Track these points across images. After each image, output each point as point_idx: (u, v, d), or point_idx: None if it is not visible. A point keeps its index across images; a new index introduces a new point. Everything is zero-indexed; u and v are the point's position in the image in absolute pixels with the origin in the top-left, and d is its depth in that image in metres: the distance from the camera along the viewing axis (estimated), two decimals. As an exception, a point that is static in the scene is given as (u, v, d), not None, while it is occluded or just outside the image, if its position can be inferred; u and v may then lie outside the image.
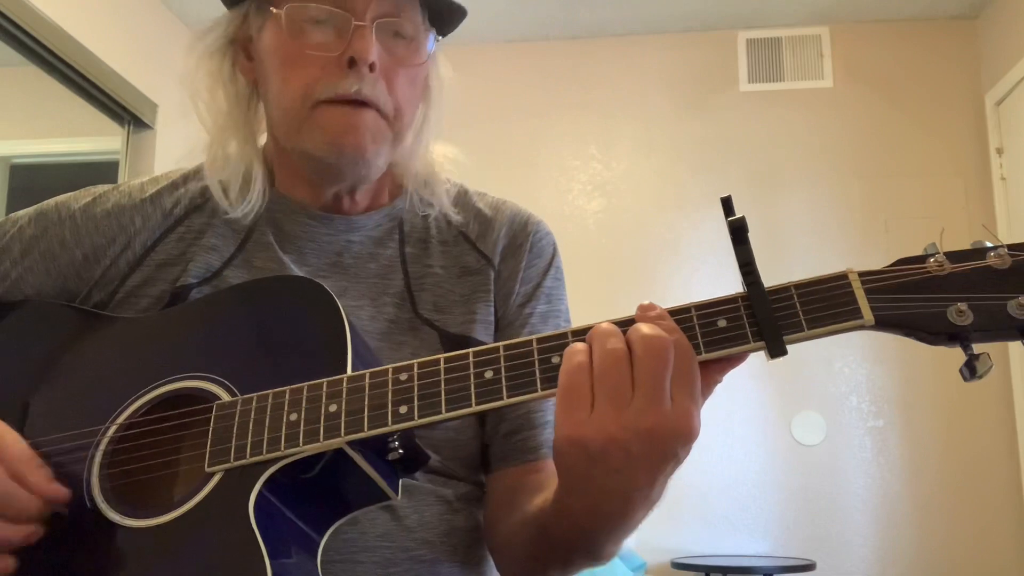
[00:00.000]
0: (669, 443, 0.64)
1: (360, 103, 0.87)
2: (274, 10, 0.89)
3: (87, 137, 3.85)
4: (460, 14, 0.94)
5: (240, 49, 0.96)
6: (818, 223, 3.77)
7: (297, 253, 0.95)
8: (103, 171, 3.62)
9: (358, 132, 0.88)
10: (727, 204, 0.68)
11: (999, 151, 3.61)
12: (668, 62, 3.99)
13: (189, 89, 0.95)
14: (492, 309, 0.95)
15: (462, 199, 1.03)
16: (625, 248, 3.85)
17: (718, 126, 3.91)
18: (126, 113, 3.52)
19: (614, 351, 0.64)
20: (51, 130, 3.89)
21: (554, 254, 1.02)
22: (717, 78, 3.96)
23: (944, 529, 3.49)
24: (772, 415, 3.63)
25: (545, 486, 0.83)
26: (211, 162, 0.95)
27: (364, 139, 0.88)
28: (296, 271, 0.94)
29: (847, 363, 3.64)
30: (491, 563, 0.95)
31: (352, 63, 0.86)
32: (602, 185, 3.95)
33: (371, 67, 0.86)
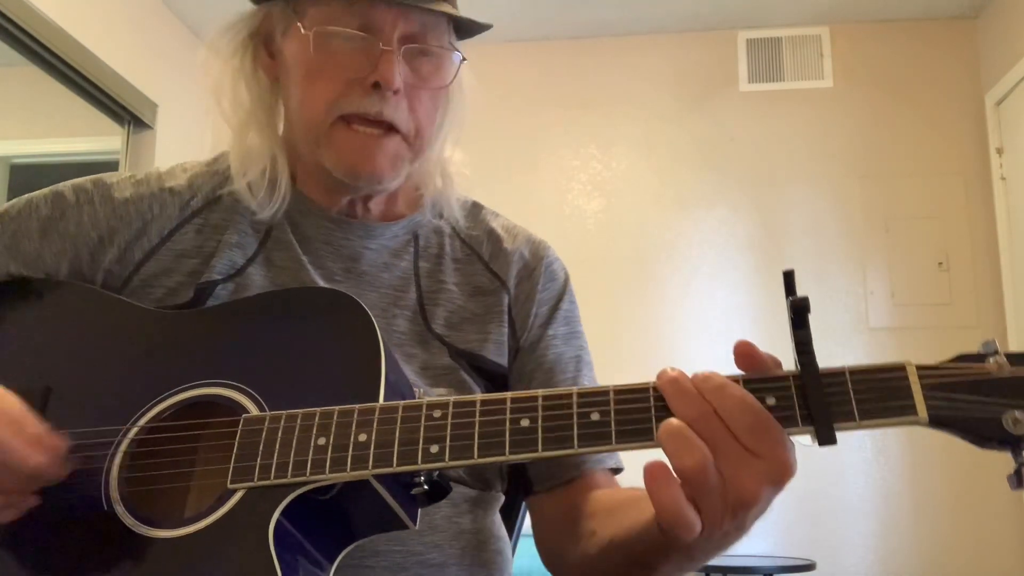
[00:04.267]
0: (769, 497, 0.63)
1: (381, 124, 0.88)
2: (300, 26, 0.89)
3: (87, 137, 3.85)
4: (483, 28, 0.95)
5: (261, 45, 0.96)
6: (818, 223, 3.77)
7: (314, 255, 0.95)
8: (103, 171, 3.61)
9: (375, 160, 0.89)
10: (789, 280, 0.64)
11: (999, 151, 3.61)
12: (668, 62, 3.99)
13: (211, 83, 0.95)
14: (506, 331, 0.96)
15: (475, 215, 1.04)
16: (624, 248, 3.85)
17: (718, 126, 3.91)
18: (126, 113, 3.52)
19: (697, 465, 0.61)
20: (51, 130, 3.89)
21: (567, 278, 1.03)
22: (717, 78, 3.96)
23: (944, 529, 3.49)
24: (772, 415, 3.63)
25: (605, 508, 0.84)
26: (236, 161, 0.95)
27: (382, 166, 0.89)
28: (313, 272, 0.93)
29: (847, 363, 3.62)
30: (498, 565, 0.95)
31: (376, 85, 0.86)
32: (602, 185, 3.95)
33: (395, 91, 0.87)
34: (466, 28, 0.95)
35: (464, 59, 0.94)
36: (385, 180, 0.91)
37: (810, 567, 3.22)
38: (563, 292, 1.01)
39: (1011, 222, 3.50)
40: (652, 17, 3.89)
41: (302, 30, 0.88)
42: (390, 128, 0.89)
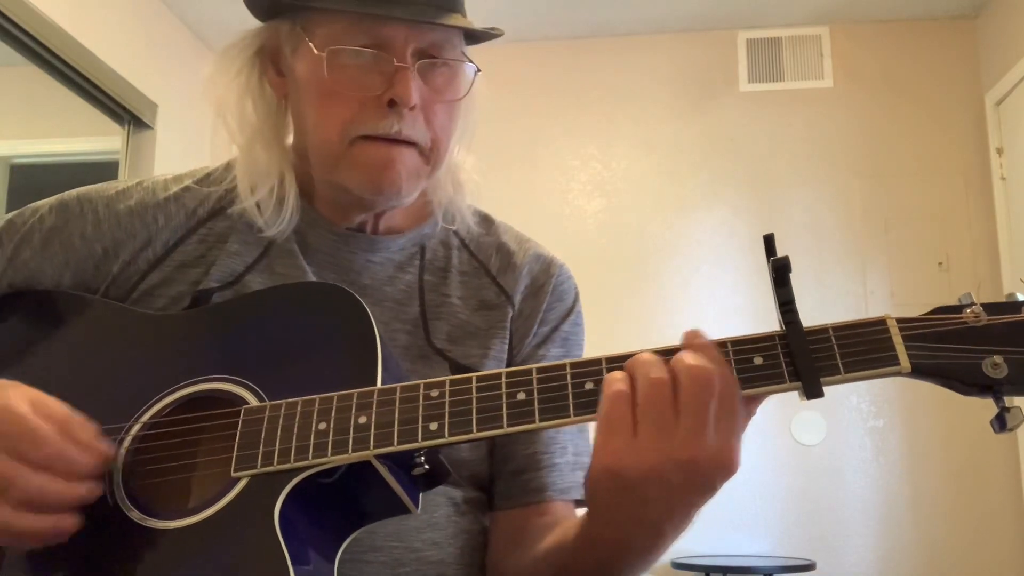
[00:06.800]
0: (709, 475, 0.65)
1: (399, 143, 0.87)
2: (312, 46, 0.87)
3: (87, 137, 3.85)
4: (494, 35, 0.94)
5: (269, 62, 0.94)
6: (818, 223, 3.77)
7: (317, 266, 0.95)
8: (103, 171, 3.62)
9: (395, 170, 0.88)
10: (769, 242, 0.67)
11: (999, 151, 3.61)
12: (668, 62, 3.99)
13: (216, 101, 0.94)
14: (507, 346, 0.95)
15: (487, 227, 1.03)
16: (625, 248, 3.85)
17: (718, 126, 3.91)
18: (126, 113, 3.52)
19: (659, 380, 0.64)
20: (51, 130, 3.89)
21: (575, 300, 1.01)
22: (717, 78, 3.96)
23: (944, 529, 3.49)
24: (772, 415, 3.63)
25: (555, 528, 0.84)
26: (244, 180, 0.93)
27: (401, 177, 0.88)
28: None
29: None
30: None
31: (392, 103, 0.85)
32: (602, 185, 3.95)
33: (411, 107, 0.86)
34: (476, 35, 0.94)
35: (479, 71, 0.93)
36: (404, 192, 0.90)
37: (810, 567, 3.22)
38: (567, 314, 0.99)
39: (1011, 222, 3.50)
40: (652, 17, 3.89)
41: (314, 50, 0.86)
42: (408, 143, 0.88)
